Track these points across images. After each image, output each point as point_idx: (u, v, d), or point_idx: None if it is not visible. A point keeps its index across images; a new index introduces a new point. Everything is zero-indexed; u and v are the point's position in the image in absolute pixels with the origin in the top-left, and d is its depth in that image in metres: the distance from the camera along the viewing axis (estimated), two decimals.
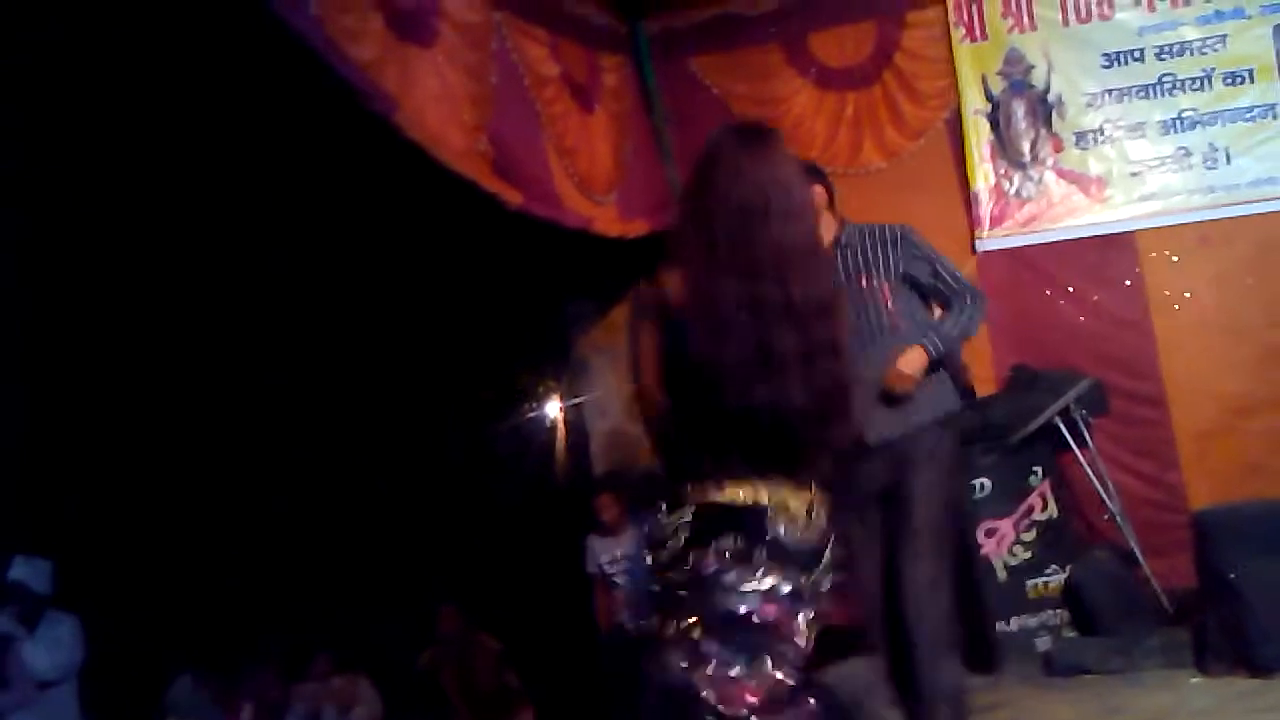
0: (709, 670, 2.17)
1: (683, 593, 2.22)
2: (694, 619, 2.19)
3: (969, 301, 3.63)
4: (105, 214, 5.58)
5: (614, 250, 5.47)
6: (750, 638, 2.19)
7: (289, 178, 5.61)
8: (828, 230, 3.62)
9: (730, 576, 2.19)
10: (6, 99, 4.37)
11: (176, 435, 6.50)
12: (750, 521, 2.21)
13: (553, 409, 7.38)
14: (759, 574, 2.19)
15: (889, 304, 3.59)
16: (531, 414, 7.44)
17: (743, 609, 2.18)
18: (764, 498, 2.23)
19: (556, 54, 5.04)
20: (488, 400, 7.20)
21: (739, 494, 2.22)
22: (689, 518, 2.24)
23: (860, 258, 3.63)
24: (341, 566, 6.66)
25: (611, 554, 5.83)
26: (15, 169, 4.82)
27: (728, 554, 2.20)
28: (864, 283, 3.59)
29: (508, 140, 4.47)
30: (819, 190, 3.59)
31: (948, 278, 3.66)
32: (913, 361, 3.50)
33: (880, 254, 3.63)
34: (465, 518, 6.88)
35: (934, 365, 3.56)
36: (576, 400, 6.72)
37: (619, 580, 5.79)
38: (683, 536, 2.24)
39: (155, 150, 5.21)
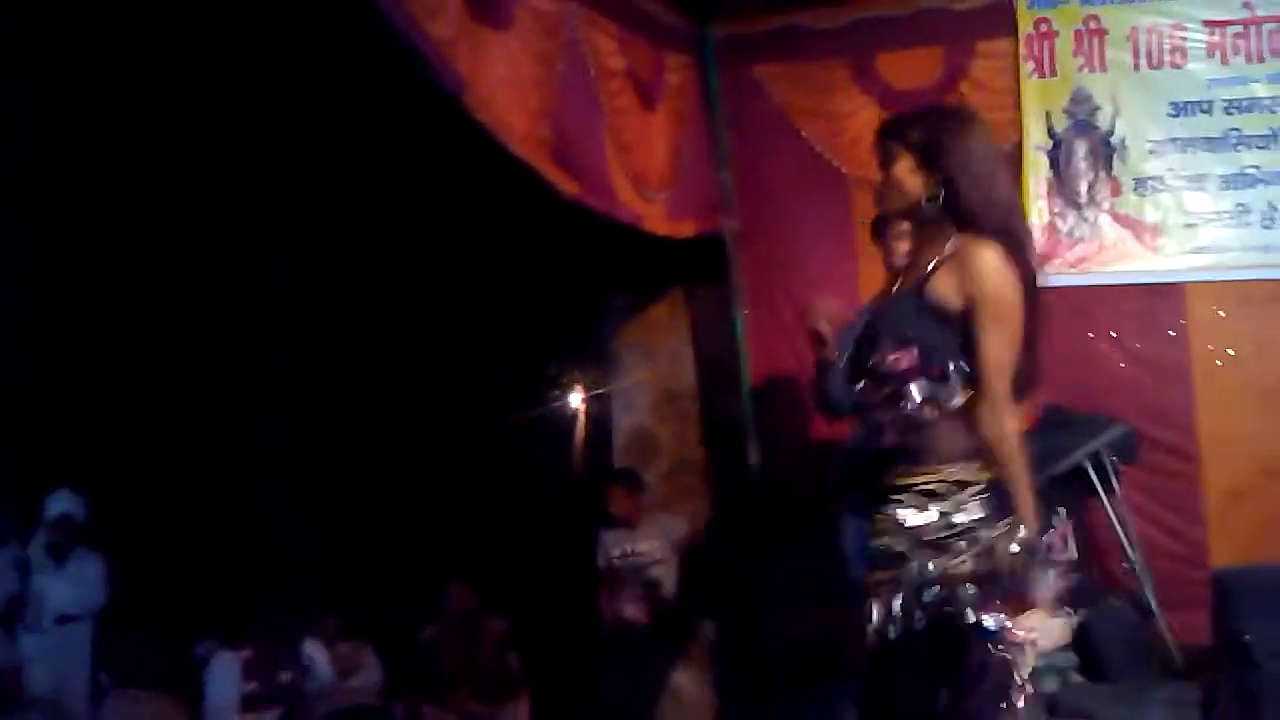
0: None
1: None
2: None
3: None
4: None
5: (659, 248, 5.49)
6: None
7: (333, 160, 5.67)
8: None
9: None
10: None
11: (211, 401, 6.58)
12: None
13: (579, 400, 7.40)
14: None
15: None
16: (558, 404, 7.46)
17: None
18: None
19: (624, 49, 5.04)
20: (517, 385, 7.23)
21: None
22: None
23: None
24: (360, 537, 6.71)
25: (622, 548, 5.83)
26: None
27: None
28: None
29: (569, 130, 4.48)
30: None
31: None
32: None
33: None
34: (485, 501, 6.91)
35: None
36: (603, 392, 6.74)
37: (626, 575, 5.79)
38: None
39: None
